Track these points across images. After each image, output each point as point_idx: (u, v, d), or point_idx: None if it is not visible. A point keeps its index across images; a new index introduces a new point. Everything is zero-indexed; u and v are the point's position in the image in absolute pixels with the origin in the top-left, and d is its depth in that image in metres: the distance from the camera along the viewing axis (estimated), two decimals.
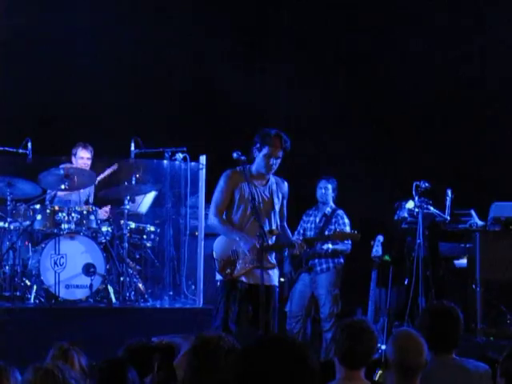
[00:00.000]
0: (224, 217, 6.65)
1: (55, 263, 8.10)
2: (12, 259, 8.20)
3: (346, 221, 8.51)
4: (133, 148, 8.92)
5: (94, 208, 8.58)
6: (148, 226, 9.00)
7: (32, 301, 8.04)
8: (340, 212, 8.54)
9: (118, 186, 8.81)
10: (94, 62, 10.05)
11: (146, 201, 9.07)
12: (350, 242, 8.37)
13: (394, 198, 9.02)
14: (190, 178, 8.85)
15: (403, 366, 3.94)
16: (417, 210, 8.50)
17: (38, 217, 8.38)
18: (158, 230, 9.02)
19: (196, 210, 8.87)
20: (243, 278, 6.58)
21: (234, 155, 6.56)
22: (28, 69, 9.96)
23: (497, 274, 8.38)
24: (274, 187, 6.74)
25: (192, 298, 8.75)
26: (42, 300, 8.11)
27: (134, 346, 4.42)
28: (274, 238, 6.64)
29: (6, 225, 8.28)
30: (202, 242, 8.49)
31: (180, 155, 8.86)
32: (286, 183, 6.86)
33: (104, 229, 8.61)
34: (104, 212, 8.89)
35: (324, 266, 8.40)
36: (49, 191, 8.60)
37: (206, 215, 7.84)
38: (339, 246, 8.38)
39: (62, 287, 8.07)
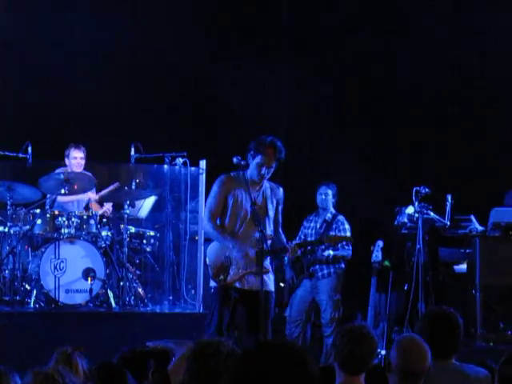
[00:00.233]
0: (218, 222, 6.65)
1: (55, 268, 8.10)
2: (12, 264, 8.20)
3: (347, 226, 8.49)
4: (133, 153, 8.94)
5: (93, 213, 8.58)
6: (148, 230, 8.99)
7: (32, 305, 8.03)
8: (340, 218, 8.52)
9: (118, 191, 8.81)
10: (94, 62, 10.06)
11: (145, 205, 9.06)
12: (350, 247, 8.37)
13: (393, 199, 9.01)
14: (190, 183, 8.85)
15: (406, 371, 3.95)
16: (417, 215, 8.50)
17: (38, 221, 8.38)
18: (158, 235, 9.02)
19: (196, 215, 8.88)
20: (237, 284, 6.55)
21: (234, 160, 6.55)
22: (28, 70, 9.96)
23: (497, 280, 8.36)
24: (268, 192, 6.70)
25: (192, 303, 8.74)
26: (42, 304, 8.09)
27: (128, 353, 4.41)
28: (268, 243, 6.60)
29: (6, 229, 8.28)
30: (202, 247, 8.46)
31: (180, 160, 8.86)
32: (281, 189, 6.82)
33: (104, 233, 8.60)
34: (107, 210, 8.88)
35: (325, 271, 8.39)
36: (49, 196, 8.60)
37: None
38: (340, 252, 8.37)
39: (62, 292, 8.06)
